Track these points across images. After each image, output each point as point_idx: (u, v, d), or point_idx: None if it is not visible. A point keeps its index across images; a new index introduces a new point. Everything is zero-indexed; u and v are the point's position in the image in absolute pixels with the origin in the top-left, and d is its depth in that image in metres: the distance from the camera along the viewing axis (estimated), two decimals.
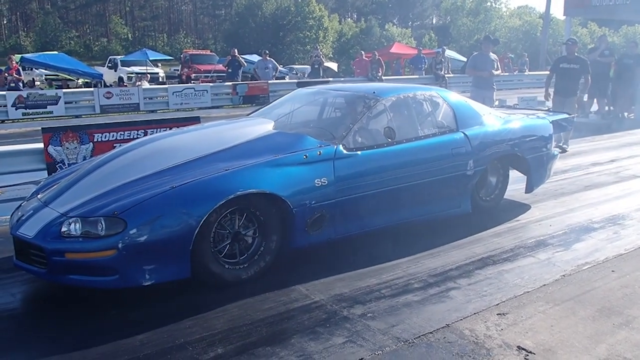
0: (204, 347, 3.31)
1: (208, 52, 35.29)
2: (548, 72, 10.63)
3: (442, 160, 5.20)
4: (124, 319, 3.70)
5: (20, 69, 19.76)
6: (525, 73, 28.58)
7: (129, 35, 66.20)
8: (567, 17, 15.66)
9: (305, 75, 27.32)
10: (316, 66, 22.79)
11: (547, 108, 10.84)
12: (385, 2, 72.53)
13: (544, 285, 4.17)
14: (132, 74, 27.68)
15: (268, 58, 21.39)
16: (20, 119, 16.19)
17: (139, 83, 21.89)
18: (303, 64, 38.06)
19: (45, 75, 26.60)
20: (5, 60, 19.56)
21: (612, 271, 4.44)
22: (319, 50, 24.93)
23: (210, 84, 20.59)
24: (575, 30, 50.32)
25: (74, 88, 22.01)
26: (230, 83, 19.85)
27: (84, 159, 6.40)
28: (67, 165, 6.31)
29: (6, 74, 18.17)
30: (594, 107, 14.36)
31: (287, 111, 5.50)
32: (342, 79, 25.81)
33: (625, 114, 14.34)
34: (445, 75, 22.82)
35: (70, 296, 4.03)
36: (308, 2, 52.27)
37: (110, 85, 22.71)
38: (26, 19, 68.20)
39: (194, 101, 18.88)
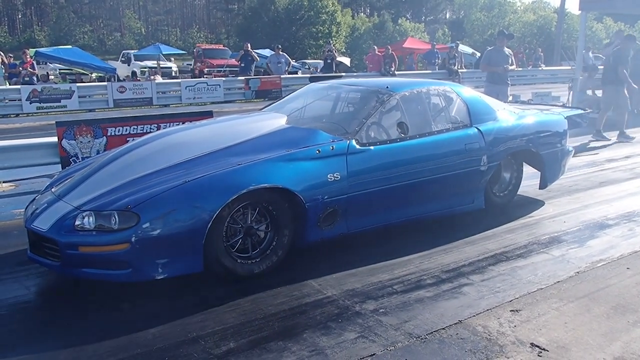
0: (216, 341, 3.31)
1: (221, 47, 35.29)
2: (622, 69, 10.77)
3: (456, 156, 5.16)
4: (137, 312, 3.71)
5: (35, 63, 19.88)
6: (540, 68, 28.13)
7: (143, 30, 66.51)
8: (582, 12, 15.45)
9: (318, 70, 27.26)
10: (329, 61, 22.67)
11: (561, 104, 10.77)
12: None
13: (558, 282, 4.14)
14: (145, 68, 27.77)
15: (281, 53, 21.37)
16: (35, 113, 16.29)
17: (152, 77, 21.96)
18: (316, 59, 37.99)
19: (59, 69, 26.74)
20: (20, 55, 19.68)
21: (627, 268, 4.39)
22: (332, 45, 24.80)
23: (223, 79, 20.59)
24: (590, 25, 49.88)
25: (87, 82, 22.09)
26: (243, 78, 19.85)
27: (98, 152, 6.44)
28: (80, 159, 6.36)
29: (20, 68, 18.30)
30: None
31: (300, 106, 5.49)
32: (355, 73, 25.73)
33: None
34: (459, 71, 22.69)
35: (83, 289, 4.05)
36: None
37: (124, 80, 22.80)
38: (40, 14, 68.67)
39: (207, 95, 18.90)
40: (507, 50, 10.45)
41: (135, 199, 3.85)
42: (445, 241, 4.95)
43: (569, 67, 19.67)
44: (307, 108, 5.46)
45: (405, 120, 4.95)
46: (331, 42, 29.63)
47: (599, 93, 14.96)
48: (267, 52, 29.49)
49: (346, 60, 32.80)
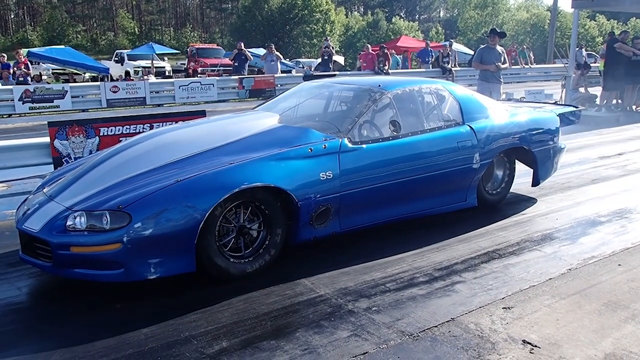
0: (209, 341, 3.31)
1: (214, 46, 35.28)
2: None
3: (448, 154, 5.17)
4: (129, 312, 3.70)
5: (29, 63, 19.80)
6: (528, 66, 27.78)
7: (136, 29, 66.38)
8: (574, 10, 15.50)
9: (313, 68, 27.16)
10: (326, 57, 22.05)
11: (553, 101, 10.81)
12: None
13: (550, 279, 4.15)
14: (138, 67, 27.72)
15: (273, 51, 21.32)
16: (27, 113, 16.26)
17: (146, 77, 21.91)
18: (309, 58, 37.99)
19: (52, 69, 26.67)
20: (12, 55, 19.59)
21: (619, 265, 4.41)
22: (329, 42, 24.46)
23: (217, 78, 20.59)
24: (583, 23, 50.07)
25: (80, 82, 22.04)
26: (237, 77, 19.83)
27: (90, 152, 6.41)
28: (73, 159, 6.32)
29: (15, 68, 18.22)
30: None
31: (293, 105, 5.49)
32: (349, 72, 25.70)
33: (634, 107, 14.26)
34: (453, 69, 22.69)
35: (75, 290, 4.04)
36: None
37: (117, 79, 22.75)
38: (33, 13, 68.45)
39: (200, 95, 18.90)
40: (499, 48, 10.47)
41: (127, 198, 3.83)
42: (438, 239, 4.96)
43: (562, 65, 19.73)
44: (300, 107, 5.46)
45: (398, 118, 4.96)
46: (329, 38, 29.22)
47: (591, 90, 15.02)
48: (261, 51, 29.45)
49: (340, 59, 32.78)
